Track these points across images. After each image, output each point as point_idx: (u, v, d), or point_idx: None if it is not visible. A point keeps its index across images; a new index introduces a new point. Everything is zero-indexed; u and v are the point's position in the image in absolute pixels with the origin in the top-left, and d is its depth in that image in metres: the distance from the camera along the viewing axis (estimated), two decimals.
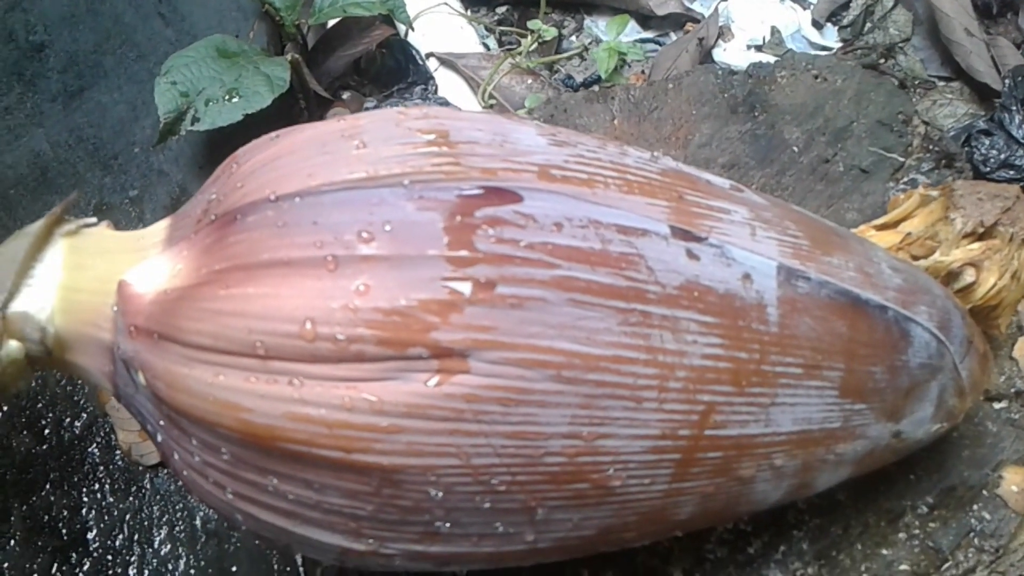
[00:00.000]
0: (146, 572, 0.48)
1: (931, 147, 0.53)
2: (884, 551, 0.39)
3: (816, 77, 0.55)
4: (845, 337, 0.32)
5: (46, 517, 0.50)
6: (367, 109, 0.72)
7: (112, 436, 0.53)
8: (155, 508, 0.50)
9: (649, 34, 0.77)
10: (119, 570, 0.48)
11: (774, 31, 0.76)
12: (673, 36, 0.77)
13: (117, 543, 0.49)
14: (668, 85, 0.54)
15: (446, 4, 0.76)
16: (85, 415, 0.54)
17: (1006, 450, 0.42)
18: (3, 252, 0.29)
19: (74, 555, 0.49)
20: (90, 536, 0.49)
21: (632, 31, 0.77)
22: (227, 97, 0.62)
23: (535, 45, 0.74)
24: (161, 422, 0.29)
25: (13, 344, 0.29)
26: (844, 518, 0.39)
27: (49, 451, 0.52)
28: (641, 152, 0.33)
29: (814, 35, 0.76)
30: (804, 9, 0.78)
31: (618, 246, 0.29)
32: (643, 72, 0.74)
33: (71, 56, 0.72)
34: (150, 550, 0.49)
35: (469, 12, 0.78)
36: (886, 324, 0.33)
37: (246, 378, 0.26)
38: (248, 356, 0.27)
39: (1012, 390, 0.44)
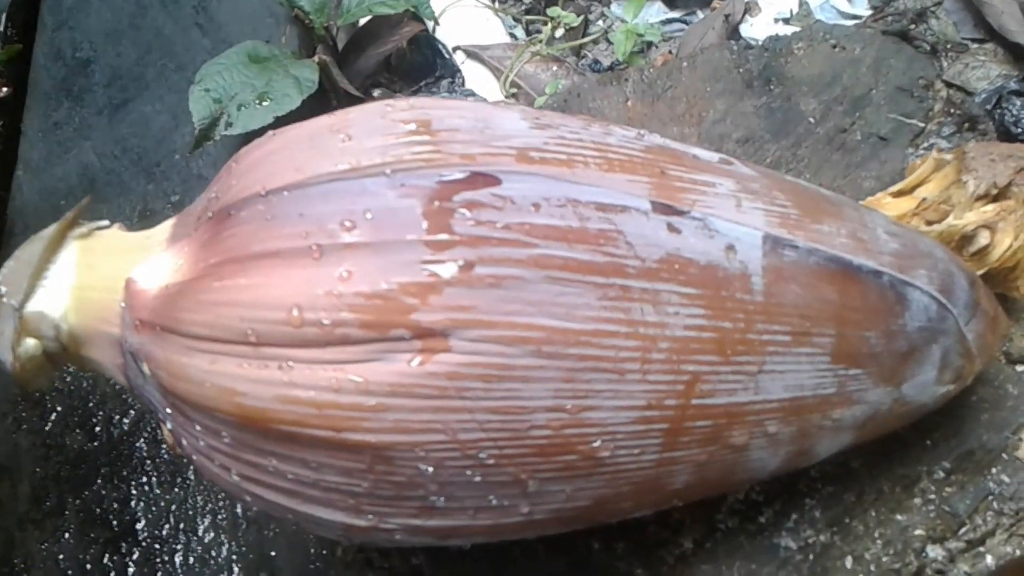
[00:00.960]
0: (191, 559, 0.50)
1: (953, 111, 0.52)
2: (899, 517, 0.39)
3: (834, 47, 0.55)
4: (835, 303, 0.32)
5: (98, 510, 0.53)
6: None
7: (158, 431, 0.55)
8: (199, 498, 0.52)
9: (676, 14, 0.77)
10: (166, 558, 0.50)
11: (802, 3, 0.75)
12: (700, 15, 0.77)
13: (164, 532, 0.51)
14: (682, 64, 0.55)
15: None
16: (133, 412, 0.56)
17: None
18: (19, 256, 0.31)
19: (124, 545, 0.51)
20: (139, 527, 0.52)
21: (659, 11, 0.77)
22: (258, 101, 0.63)
23: (561, 31, 0.74)
24: (168, 410, 0.30)
25: (31, 342, 0.31)
26: (858, 485, 0.39)
27: (100, 447, 0.55)
28: (626, 131, 0.34)
29: (843, 4, 0.75)
30: None
31: (596, 223, 0.30)
32: (670, 52, 0.74)
33: (115, 70, 0.75)
34: (195, 538, 0.51)
35: (496, 3, 0.79)
36: (880, 289, 0.33)
37: (239, 364, 0.28)
38: (241, 343, 0.28)
39: None
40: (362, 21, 0.75)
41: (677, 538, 0.38)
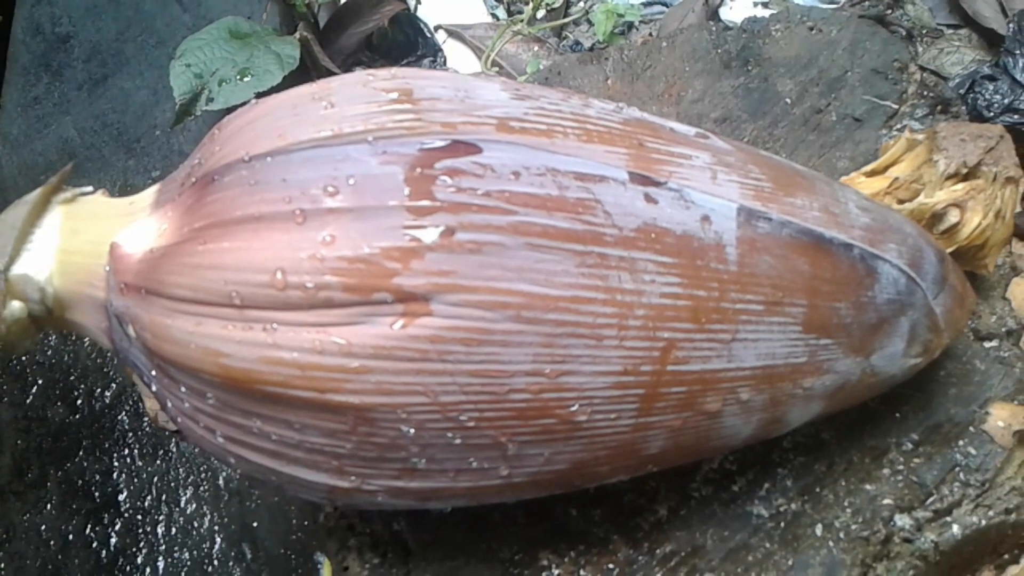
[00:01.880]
0: (173, 530, 0.51)
1: (926, 93, 0.53)
2: (868, 486, 0.40)
3: (811, 29, 0.56)
4: (807, 274, 0.33)
5: (80, 482, 0.53)
6: None
7: (140, 404, 0.56)
8: (181, 470, 0.53)
9: None
10: (148, 529, 0.51)
11: None
12: None
13: (146, 504, 0.52)
14: (662, 44, 0.55)
15: None
16: (115, 385, 0.56)
17: (994, 387, 0.42)
18: (4, 219, 0.32)
19: (106, 516, 0.52)
20: (121, 498, 0.52)
21: None
22: (239, 77, 0.64)
23: (542, 12, 0.75)
24: (153, 372, 0.31)
25: (16, 304, 0.31)
26: (828, 456, 0.40)
27: (82, 420, 0.55)
28: (605, 103, 0.34)
29: None
30: None
31: (575, 192, 0.30)
32: (650, 35, 0.75)
33: (95, 46, 0.75)
34: (177, 509, 0.51)
35: None
36: (851, 261, 0.34)
37: (224, 326, 0.28)
38: (225, 306, 0.29)
39: (1003, 329, 0.44)
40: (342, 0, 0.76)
41: (652, 505, 0.39)
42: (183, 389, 0.30)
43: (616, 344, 0.30)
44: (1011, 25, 0.63)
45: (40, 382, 0.57)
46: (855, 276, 0.34)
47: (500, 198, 0.29)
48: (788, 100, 0.52)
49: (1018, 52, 0.61)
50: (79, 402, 0.56)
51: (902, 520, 0.39)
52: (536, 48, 0.72)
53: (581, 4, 0.78)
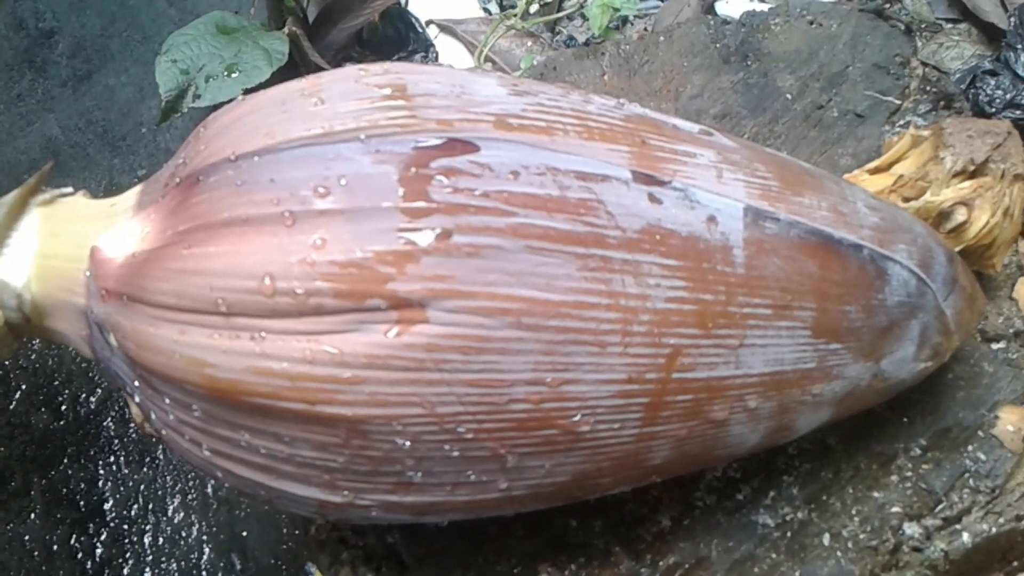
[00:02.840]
0: (160, 540, 0.49)
1: (929, 88, 0.52)
2: (876, 494, 0.39)
3: (811, 23, 0.55)
4: (816, 276, 0.32)
5: (64, 490, 0.52)
6: None
7: (126, 410, 0.54)
8: (168, 478, 0.51)
9: None
10: (135, 538, 0.50)
11: None
12: None
13: (133, 513, 0.50)
14: (659, 38, 0.54)
15: None
16: (100, 390, 0.55)
17: (1003, 390, 0.41)
18: None
19: (92, 525, 0.50)
20: (107, 507, 0.51)
21: None
22: (227, 73, 0.62)
23: (535, 6, 0.73)
24: (136, 383, 0.30)
25: None
26: (835, 462, 0.39)
27: (66, 426, 0.54)
28: (606, 99, 0.33)
29: None
30: None
31: (577, 192, 0.29)
32: (645, 29, 0.74)
33: (79, 41, 0.73)
34: (164, 518, 0.50)
35: None
36: (860, 263, 0.33)
37: (209, 335, 0.27)
38: (211, 313, 0.27)
39: (1011, 330, 0.43)
40: None
41: (655, 516, 0.38)
42: (167, 401, 0.29)
43: (620, 351, 0.29)
44: (1012, 19, 0.62)
45: (23, 387, 0.55)
46: (865, 278, 0.33)
47: (499, 199, 0.28)
48: (788, 96, 0.51)
49: (1020, 47, 0.60)
50: (63, 408, 0.54)
51: (911, 528, 0.38)
52: (530, 43, 0.70)
53: None
